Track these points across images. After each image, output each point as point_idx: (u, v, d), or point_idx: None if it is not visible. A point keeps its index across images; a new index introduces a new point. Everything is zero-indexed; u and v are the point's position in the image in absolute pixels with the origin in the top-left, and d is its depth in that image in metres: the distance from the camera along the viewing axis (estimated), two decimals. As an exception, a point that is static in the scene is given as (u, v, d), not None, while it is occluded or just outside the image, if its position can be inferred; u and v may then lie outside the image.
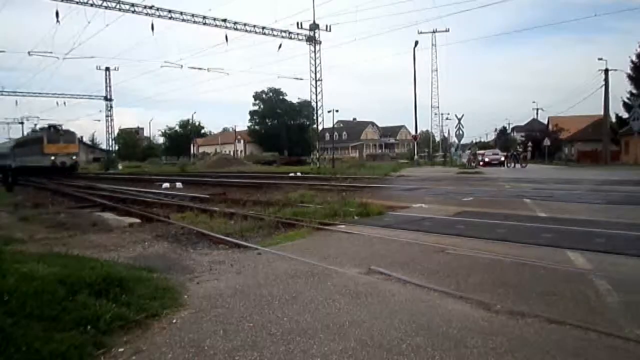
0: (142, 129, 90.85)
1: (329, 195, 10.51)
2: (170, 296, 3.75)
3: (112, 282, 3.62)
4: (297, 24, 32.70)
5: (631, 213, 7.55)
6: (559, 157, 46.59)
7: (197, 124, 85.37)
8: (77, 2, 25.10)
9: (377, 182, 17.57)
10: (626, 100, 39.27)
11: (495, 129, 73.86)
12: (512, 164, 32.74)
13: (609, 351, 2.57)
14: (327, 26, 33.81)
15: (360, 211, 8.23)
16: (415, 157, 44.61)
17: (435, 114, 60.38)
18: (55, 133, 35.42)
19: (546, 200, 9.97)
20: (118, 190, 16.06)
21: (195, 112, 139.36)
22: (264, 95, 67.53)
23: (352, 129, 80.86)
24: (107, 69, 47.36)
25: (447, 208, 8.65)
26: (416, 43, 40.74)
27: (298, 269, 4.55)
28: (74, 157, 35.45)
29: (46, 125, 38.27)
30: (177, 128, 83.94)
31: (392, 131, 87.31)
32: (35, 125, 43.39)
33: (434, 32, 48.77)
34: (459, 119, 31.00)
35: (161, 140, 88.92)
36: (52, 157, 33.15)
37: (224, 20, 29.83)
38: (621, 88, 59.53)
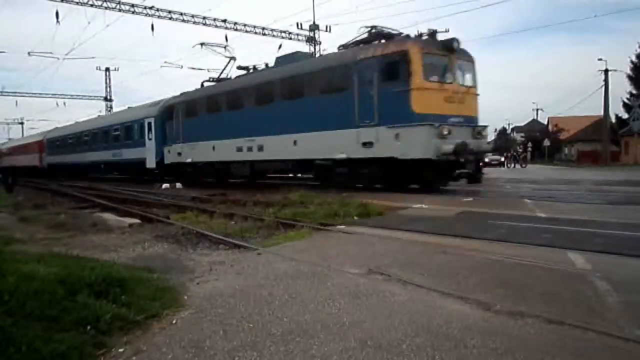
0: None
1: (329, 195, 10.51)
2: (170, 296, 3.75)
3: (112, 283, 3.63)
4: (297, 24, 32.70)
5: (631, 213, 7.54)
6: (559, 158, 46.66)
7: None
8: (77, 3, 25.12)
9: (377, 183, 17.55)
10: (626, 101, 39.43)
11: (495, 130, 73.92)
12: (512, 164, 32.78)
13: (609, 351, 2.57)
14: (327, 27, 33.79)
15: (360, 211, 8.23)
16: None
17: (436, 114, 60.09)
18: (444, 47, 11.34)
19: (546, 200, 9.96)
20: (118, 191, 16.07)
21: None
22: (264, 96, 67.32)
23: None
24: (107, 69, 47.39)
25: (447, 208, 8.64)
26: (417, 43, 40.42)
27: (298, 270, 4.55)
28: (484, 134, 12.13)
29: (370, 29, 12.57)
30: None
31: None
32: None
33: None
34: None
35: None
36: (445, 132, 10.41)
37: (224, 21, 29.83)
38: (621, 88, 59.50)
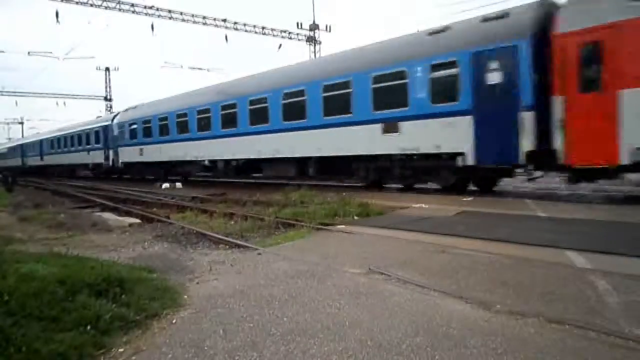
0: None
1: (329, 195, 10.52)
2: (170, 296, 3.75)
3: (112, 283, 3.64)
4: (297, 24, 32.72)
5: (632, 213, 7.54)
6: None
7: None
8: (77, 2, 25.12)
9: (377, 182, 17.56)
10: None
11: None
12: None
13: (609, 351, 2.57)
14: (327, 26, 33.82)
15: (360, 211, 8.23)
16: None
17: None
18: None
19: (546, 199, 9.96)
20: (118, 191, 16.08)
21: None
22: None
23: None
24: (107, 69, 47.45)
25: (447, 208, 8.64)
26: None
27: (298, 269, 4.55)
28: None
29: None
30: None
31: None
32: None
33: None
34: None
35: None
36: None
37: (224, 20, 29.84)
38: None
